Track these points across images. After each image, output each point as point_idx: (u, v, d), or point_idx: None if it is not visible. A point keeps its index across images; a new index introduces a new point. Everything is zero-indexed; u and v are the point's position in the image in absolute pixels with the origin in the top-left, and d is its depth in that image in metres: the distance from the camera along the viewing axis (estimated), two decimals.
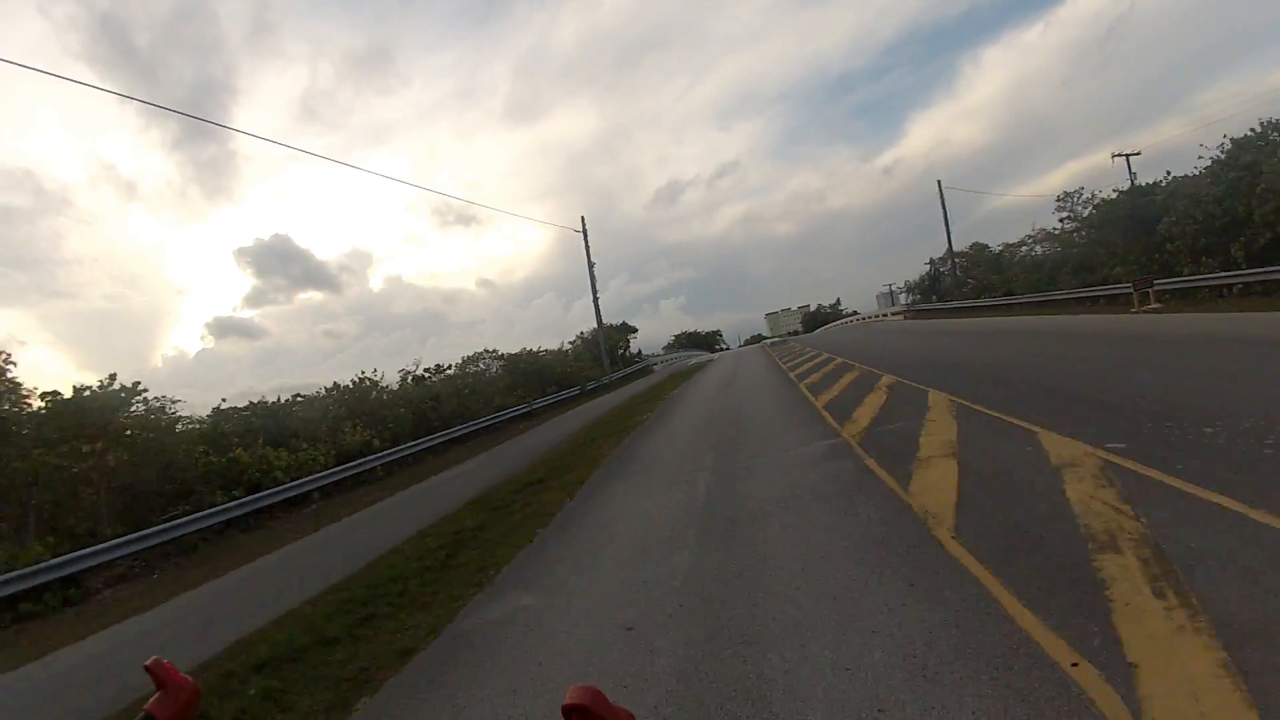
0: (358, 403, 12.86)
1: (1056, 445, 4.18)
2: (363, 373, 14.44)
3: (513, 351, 20.85)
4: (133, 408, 9.70)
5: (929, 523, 3.27)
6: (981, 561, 2.71)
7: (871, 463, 4.65)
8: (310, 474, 10.01)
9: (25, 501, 8.40)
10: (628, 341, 32.39)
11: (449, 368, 16.95)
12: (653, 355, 36.41)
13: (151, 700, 0.73)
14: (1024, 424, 4.78)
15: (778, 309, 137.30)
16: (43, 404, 9.39)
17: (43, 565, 6.89)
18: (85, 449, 8.74)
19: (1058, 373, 7.29)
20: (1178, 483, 3.14)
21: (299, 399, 12.48)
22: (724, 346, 68.51)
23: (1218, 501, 2.85)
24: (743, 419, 8.63)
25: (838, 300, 73.42)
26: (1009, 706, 1.78)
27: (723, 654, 2.53)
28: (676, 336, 60.36)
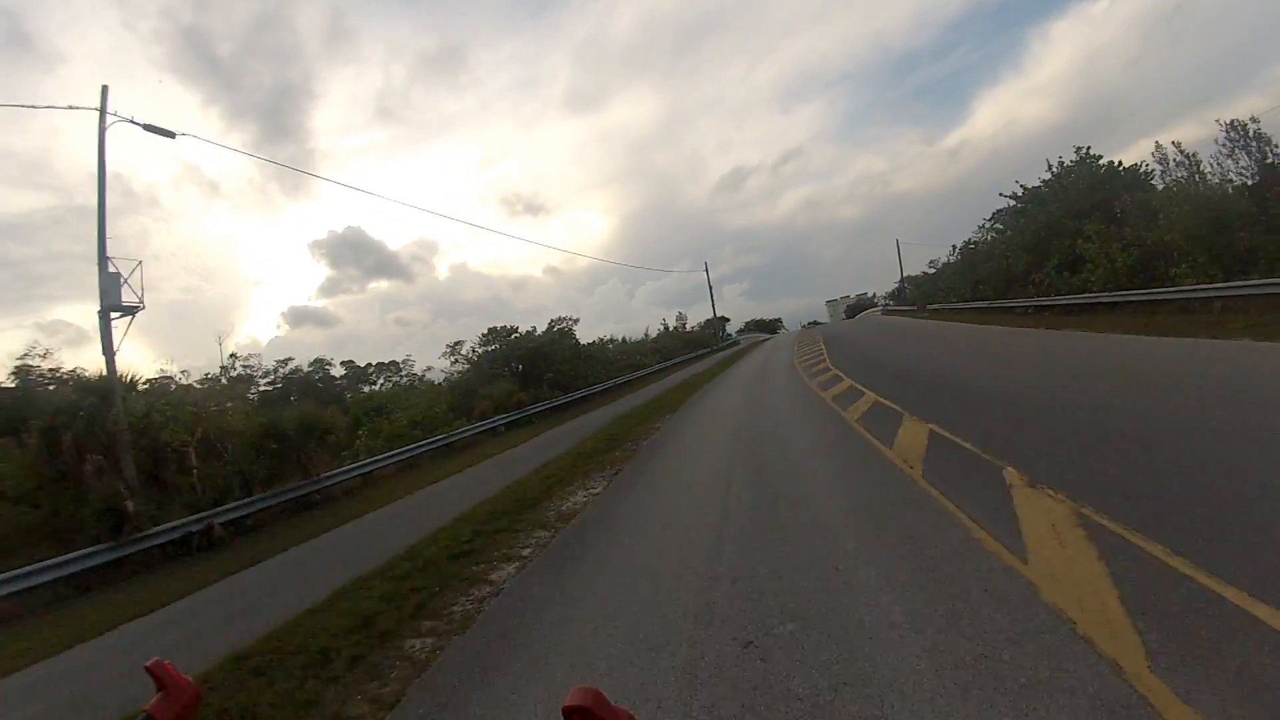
0: (647, 344, 35.85)
1: (828, 362, 25.97)
2: (646, 333, 37.83)
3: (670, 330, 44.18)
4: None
5: (796, 366, 25.39)
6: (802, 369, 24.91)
7: (795, 356, 26.67)
8: (649, 367, 32.78)
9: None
10: (723, 323, 55.22)
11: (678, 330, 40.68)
12: (735, 336, 58.86)
13: (152, 701, 0.74)
14: (823, 350, 26.65)
15: (837, 296, 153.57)
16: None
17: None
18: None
19: (864, 341, 28.78)
20: (868, 389, 24.86)
21: (617, 340, 35.84)
22: (784, 329, 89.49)
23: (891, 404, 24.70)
24: (778, 349, 30.83)
25: (873, 294, 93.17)
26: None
27: (762, 388, 24.58)
28: (747, 323, 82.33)
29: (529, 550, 5.47)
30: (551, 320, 27.93)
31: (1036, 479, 4.28)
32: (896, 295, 52.15)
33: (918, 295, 38.43)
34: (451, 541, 6.12)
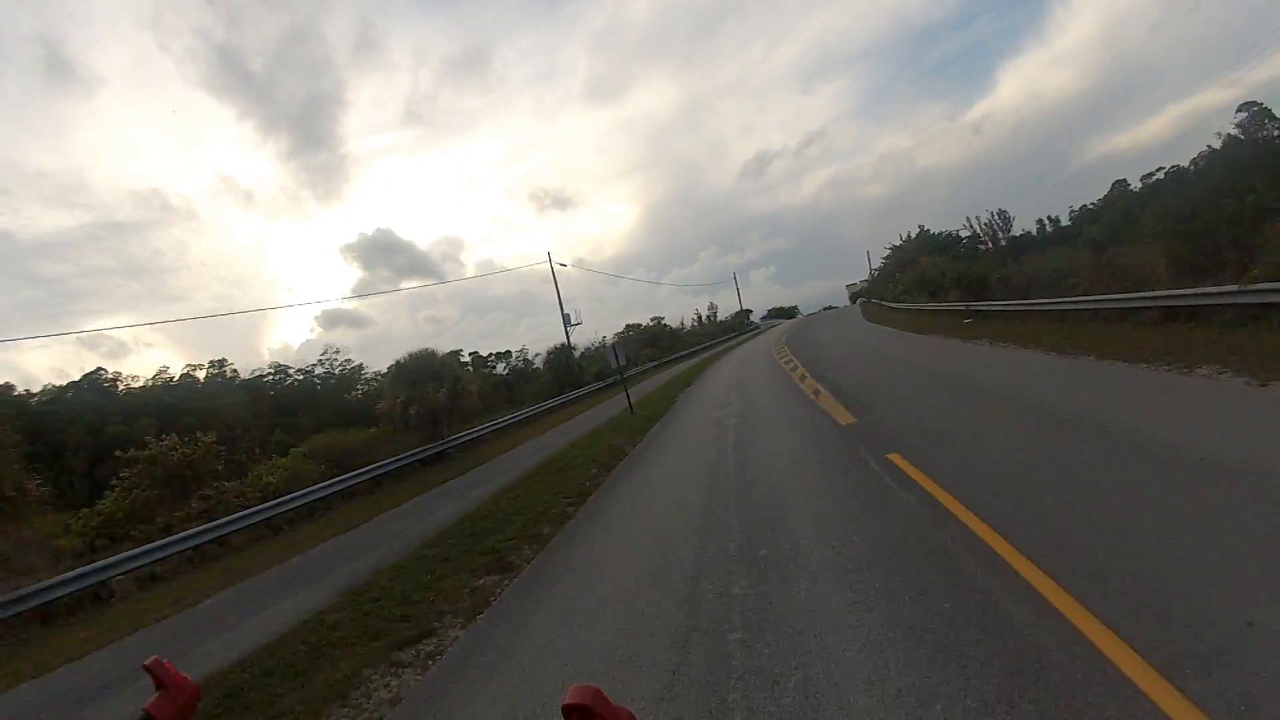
0: (700, 330, 59.90)
1: (778, 339, 49.62)
2: (682, 322, 62.21)
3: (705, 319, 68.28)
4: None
5: (772, 343, 49.36)
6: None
7: (778, 338, 50.58)
8: (703, 344, 57.01)
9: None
10: (747, 314, 79.33)
11: (709, 320, 64.63)
12: (758, 323, 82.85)
13: (151, 700, 0.76)
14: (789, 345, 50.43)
15: (857, 280, 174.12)
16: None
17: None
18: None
19: (814, 325, 52.35)
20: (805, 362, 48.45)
21: (681, 328, 59.87)
22: (800, 314, 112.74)
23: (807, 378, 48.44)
24: (779, 332, 54.88)
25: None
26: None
27: (759, 346, 48.46)
28: (769, 310, 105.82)
29: (697, 380, 29.54)
30: (653, 317, 52.17)
31: (812, 371, 28.22)
32: (866, 291, 75.28)
33: (868, 293, 61.43)
34: (676, 385, 30.11)
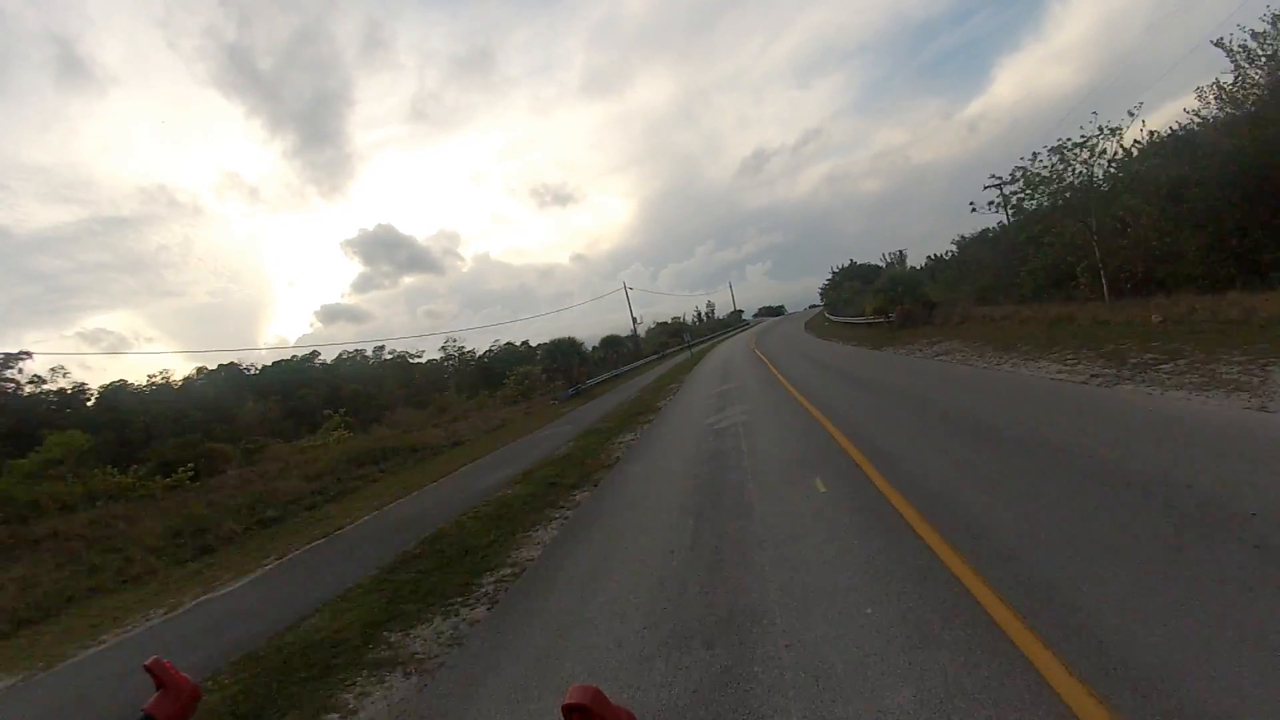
0: (705, 326, 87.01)
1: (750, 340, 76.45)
2: (683, 317, 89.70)
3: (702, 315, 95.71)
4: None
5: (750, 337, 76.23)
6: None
7: (759, 334, 77.51)
8: (709, 335, 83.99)
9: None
10: (740, 315, 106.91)
11: (707, 318, 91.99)
12: (751, 320, 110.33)
13: (151, 700, 0.76)
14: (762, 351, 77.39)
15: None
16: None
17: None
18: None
19: (779, 326, 79.10)
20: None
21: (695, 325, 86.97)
22: (787, 312, 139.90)
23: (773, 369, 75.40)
24: (762, 327, 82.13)
25: None
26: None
27: (743, 337, 75.14)
28: (760, 309, 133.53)
29: (713, 350, 56.36)
30: (673, 318, 78.87)
31: (754, 342, 55.15)
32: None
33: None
34: (704, 350, 56.94)
